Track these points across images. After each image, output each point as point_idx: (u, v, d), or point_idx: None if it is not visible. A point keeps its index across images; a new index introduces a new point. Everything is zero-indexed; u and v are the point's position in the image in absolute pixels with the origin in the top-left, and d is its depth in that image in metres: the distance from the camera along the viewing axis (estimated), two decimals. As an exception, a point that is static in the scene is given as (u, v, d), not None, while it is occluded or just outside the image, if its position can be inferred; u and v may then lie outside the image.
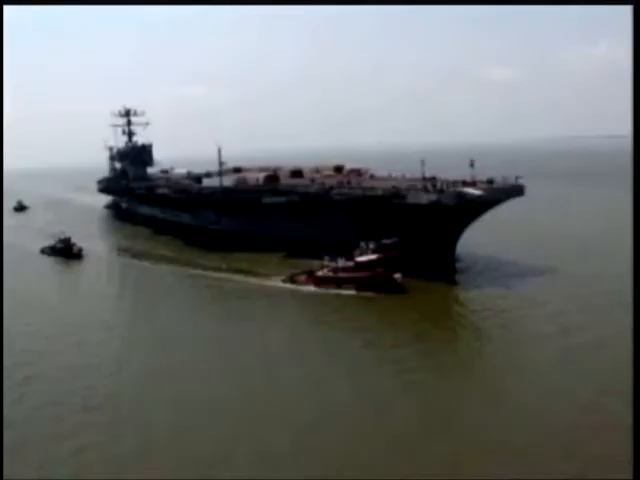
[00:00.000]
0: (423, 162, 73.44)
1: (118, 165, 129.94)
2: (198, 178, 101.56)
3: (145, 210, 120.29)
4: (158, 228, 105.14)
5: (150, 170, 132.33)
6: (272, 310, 54.74)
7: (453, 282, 61.46)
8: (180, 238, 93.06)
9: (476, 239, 73.61)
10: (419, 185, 65.14)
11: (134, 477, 28.23)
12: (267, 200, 77.46)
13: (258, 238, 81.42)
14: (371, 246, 61.30)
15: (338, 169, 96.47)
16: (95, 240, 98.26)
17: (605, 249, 71.67)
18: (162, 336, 48.79)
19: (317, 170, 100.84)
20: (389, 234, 61.23)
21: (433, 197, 60.77)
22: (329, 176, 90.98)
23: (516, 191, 64.27)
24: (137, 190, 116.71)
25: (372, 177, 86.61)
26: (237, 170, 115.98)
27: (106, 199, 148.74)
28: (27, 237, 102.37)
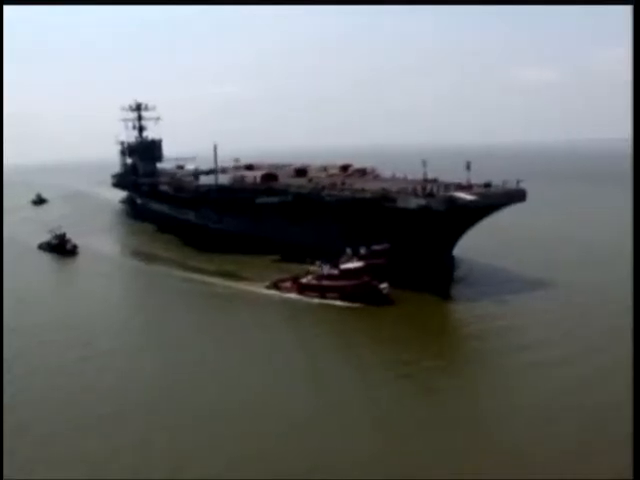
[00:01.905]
0: (425, 163, 69.38)
1: (129, 160, 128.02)
2: (197, 175, 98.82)
3: (155, 206, 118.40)
4: (164, 225, 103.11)
5: (168, 165, 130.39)
6: (240, 320, 51.49)
7: (446, 293, 56.89)
8: (181, 237, 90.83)
9: (479, 244, 69.49)
10: (410, 188, 60.71)
11: None
12: (260, 200, 74.21)
13: (256, 239, 78.80)
14: (362, 252, 57.79)
15: (344, 168, 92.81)
16: (96, 236, 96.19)
17: (615, 253, 66.77)
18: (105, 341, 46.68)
19: (325, 169, 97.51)
20: (381, 239, 57.58)
21: (422, 202, 56.50)
22: (332, 175, 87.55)
23: (516, 196, 59.50)
24: (142, 186, 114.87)
25: (375, 177, 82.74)
26: (249, 167, 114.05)
27: (124, 194, 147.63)
28: (34, 231, 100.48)
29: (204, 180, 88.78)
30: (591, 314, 48.45)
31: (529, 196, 61.47)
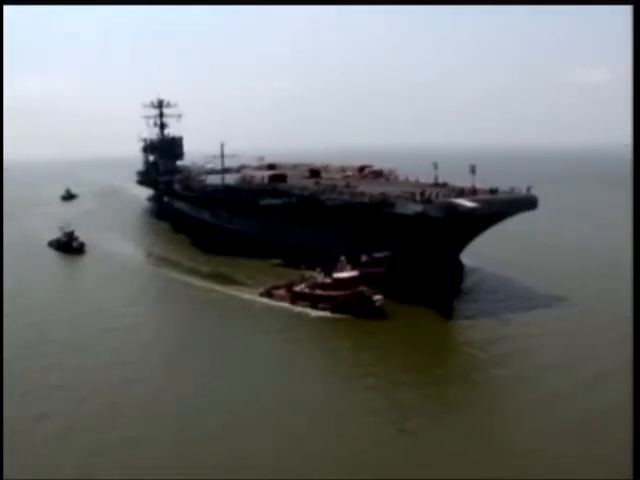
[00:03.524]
0: (436, 165, 65.58)
1: (151, 158, 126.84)
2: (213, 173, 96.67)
3: (177, 205, 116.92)
4: (181, 225, 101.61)
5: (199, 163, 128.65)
6: (219, 329, 48.93)
7: (447, 307, 52.20)
8: (191, 237, 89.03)
9: (495, 252, 66.60)
10: (409, 193, 56.61)
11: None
12: (264, 202, 71.37)
13: (263, 241, 76.31)
14: (363, 259, 54.58)
15: (361, 169, 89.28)
16: (111, 235, 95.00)
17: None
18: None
19: (343, 169, 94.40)
20: (382, 246, 54.16)
21: (418, 208, 52.50)
22: (347, 177, 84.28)
23: (526, 203, 54.94)
24: (159, 184, 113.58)
25: (388, 180, 79.04)
26: (271, 167, 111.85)
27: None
28: (52, 228, 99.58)
29: (212, 180, 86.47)
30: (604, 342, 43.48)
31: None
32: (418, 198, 53.40)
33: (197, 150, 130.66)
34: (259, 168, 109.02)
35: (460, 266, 63.50)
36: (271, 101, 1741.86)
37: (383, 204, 56.37)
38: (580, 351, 41.64)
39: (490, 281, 60.78)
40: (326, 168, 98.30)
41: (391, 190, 60.59)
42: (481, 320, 48.58)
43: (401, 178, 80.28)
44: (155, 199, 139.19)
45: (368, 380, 37.60)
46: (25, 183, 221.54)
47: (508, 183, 61.24)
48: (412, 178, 74.14)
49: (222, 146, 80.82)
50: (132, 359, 41.84)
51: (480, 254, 64.55)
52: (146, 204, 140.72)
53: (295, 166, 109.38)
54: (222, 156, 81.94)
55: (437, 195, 53.37)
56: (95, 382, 37.78)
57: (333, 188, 66.43)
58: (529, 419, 32.38)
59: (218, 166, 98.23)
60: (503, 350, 42.57)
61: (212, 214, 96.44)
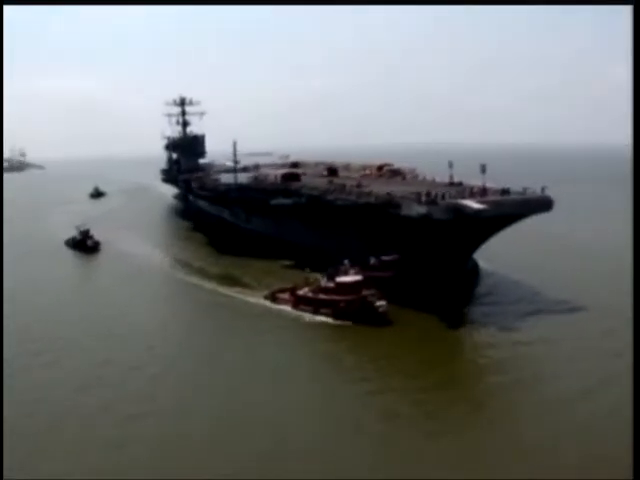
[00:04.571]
0: (451, 164, 63.13)
1: (174, 155, 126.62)
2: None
3: (200, 203, 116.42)
4: (201, 224, 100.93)
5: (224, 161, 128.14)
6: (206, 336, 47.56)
7: (455, 313, 49.09)
8: (208, 236, 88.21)
9: (513, 254, 64.55)
10: (415, 194, 54.03)
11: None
12: (275, 202, 69.73)
13: (277, 241, 74.97)
14: (371, 262, 52.74)
15: (380, 168, 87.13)
16: (130, 233, 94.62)
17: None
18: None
19: (364, 168, 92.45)
20: (389, 249, 52.22)
21: (422, 210, 50.01)
22: (365, 176, 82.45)
23: (539, 205, 51.99)
24: (179, 183, 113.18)
25: (404, 179, 76.59)
26: (294, 165, 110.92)
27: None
28: (72, 226, 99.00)
29: (226, 178, 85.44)
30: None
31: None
32: (423, 199, 50.85)
33: (221, 149, 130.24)
34: (282, 166, 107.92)
35: (474, 269, 60.96)
36: (302, 99, 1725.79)
37: (389, 205, 54.11)
38: (585, 356, 39.69)
39: (504, 285, 58.33)
40: (347, 167, 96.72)
41: (401, 190, 58.23)
42: (489, 327, 46.17)
43: (420, 177, 77.84)
44: (181, 197, 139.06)
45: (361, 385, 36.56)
46: (57, 181, 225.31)
47: (528, 183, 58.36)
48: (431, 177, 71.74)
49: (234, 145, 79.86)
50: (127, 363, 40.86)
51: (495, 254, 61.95)
52: (172, 202, 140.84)
53: (317, 164, 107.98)
54: (234, 154, 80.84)
55: (443, 196, 50.75)
56: (94, 379, 37.53)
57: (342, 188, 64.38)
58: (530, 421, 31.61)
59: (242, 164, 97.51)
60: (508, 356, 40.89)
61: (231, 213, 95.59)
